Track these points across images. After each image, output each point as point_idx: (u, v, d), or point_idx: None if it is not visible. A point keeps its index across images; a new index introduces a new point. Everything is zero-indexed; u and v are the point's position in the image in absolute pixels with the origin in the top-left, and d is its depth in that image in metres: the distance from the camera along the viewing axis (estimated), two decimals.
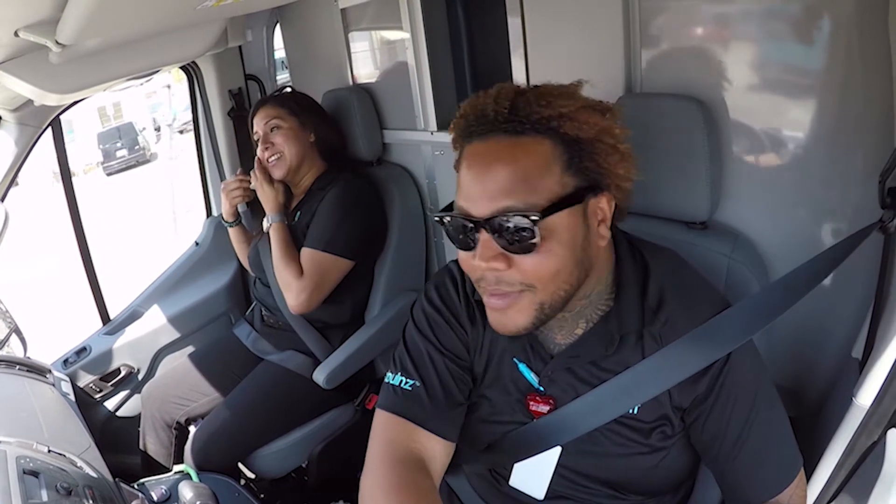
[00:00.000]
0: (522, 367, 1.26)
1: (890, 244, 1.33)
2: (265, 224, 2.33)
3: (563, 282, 1.09)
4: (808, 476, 1.22)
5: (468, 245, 1.10)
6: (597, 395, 1.18)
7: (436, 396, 1.26)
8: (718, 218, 1.61)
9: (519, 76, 2.02)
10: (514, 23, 1.97)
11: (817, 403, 1.58)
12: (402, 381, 1.29)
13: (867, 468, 1.01)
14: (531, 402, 1.24)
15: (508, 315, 1.12)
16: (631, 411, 1.18)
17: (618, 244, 1.21)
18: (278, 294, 2.34)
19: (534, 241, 1.03)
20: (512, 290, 1.09)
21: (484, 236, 1.06)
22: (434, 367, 1.29)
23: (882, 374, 1.11)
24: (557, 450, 1.24)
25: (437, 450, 1.25)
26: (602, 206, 1.11)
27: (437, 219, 1.14)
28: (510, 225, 1.03)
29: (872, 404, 1.01)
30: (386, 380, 1.31)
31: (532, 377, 1.25)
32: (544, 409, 1.23)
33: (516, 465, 1.30)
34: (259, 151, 2.33)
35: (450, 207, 1.13)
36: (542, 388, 1.24)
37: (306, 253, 2.25)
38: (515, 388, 1.26)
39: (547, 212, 1.03)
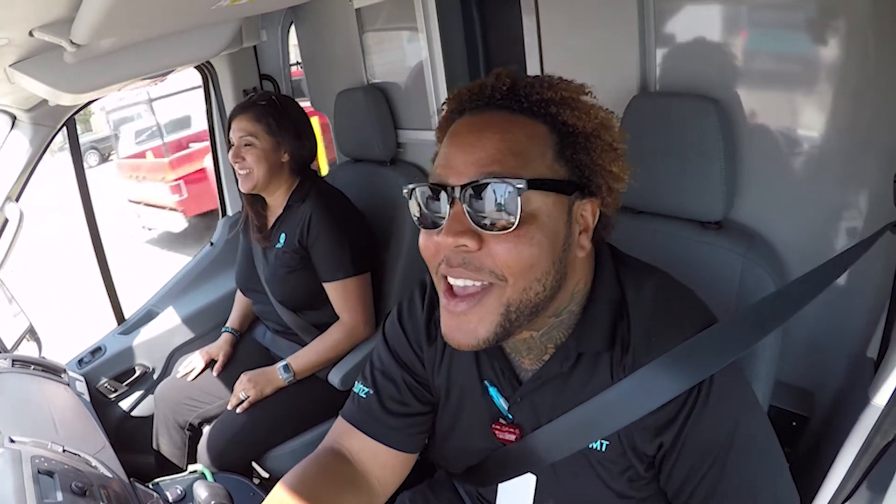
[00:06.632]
0: (493, 392, 1.18)
1: None
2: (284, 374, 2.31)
3: (536, 280, 0.97)
4: (823, 476, 1.21)
5: (436, 222, 0.99)
6: (560, 424, 1.09)
7: (384, 405, 1.28)
8: (734, 217, 1.62)
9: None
10: (528, 22, 1.98)
11: (832, 403, 1.58)
12: (360, 389, 1.32)
13: (882, 468, 1.00)
14: (496, 430, 1.18)
15: (468, 320, 0.99)
16: (598, 447, 1.08)
17: (601, 263, 1.11)
18: (278, 305, 2.39)
19: (512, 218, 0.92)
20: (476, 286, 0.98)
21: (456, 208, 0.95)
22: (389, 378, 1.29)
23: None
24: (533, 478, 1.18)
25: (373, 454, 1.28)
26: (586, 213, 1.03)
27: (406, 191, 1.03)
28: (490, 193, 0.92)
29: (887, 404, 1.01)
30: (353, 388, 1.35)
31: (501, 403, 1.18)
32: (510, 437, 1.16)
33: (500, 489, 1.24)
34: (230, 157, 2.30)
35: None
36: (510, 416, 1.17)
37: (334, 288, 2.29)
38: (485, 412, 1.20)
39: (533, 184, 0.93)
